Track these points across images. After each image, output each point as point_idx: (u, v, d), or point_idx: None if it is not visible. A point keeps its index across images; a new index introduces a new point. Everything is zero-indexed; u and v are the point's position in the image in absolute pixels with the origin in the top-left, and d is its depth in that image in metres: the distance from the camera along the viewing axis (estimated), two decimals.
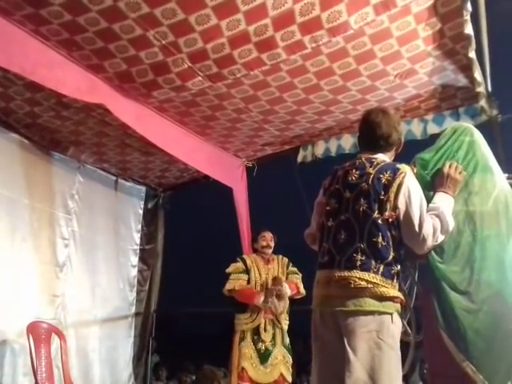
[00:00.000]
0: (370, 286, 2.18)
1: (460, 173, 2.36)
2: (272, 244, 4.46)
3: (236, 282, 4.27)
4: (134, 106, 4.17)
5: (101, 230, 5.67)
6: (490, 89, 3.92)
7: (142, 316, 6.01)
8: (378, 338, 2.16)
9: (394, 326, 2.21)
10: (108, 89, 3.92)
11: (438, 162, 2.42)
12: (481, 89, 3.77)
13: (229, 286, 4.26)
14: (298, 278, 4.46)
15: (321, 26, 3.20)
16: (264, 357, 4.11)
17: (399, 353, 2.22)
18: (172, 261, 7.00)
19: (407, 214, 2.23)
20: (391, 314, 2.20)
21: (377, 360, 2.14)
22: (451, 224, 2.26)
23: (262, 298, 4.13)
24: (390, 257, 2.22)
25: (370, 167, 2.34)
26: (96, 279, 5.50)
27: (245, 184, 5.60)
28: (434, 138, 4.34)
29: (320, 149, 5.04)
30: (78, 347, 5.07)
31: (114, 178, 5.87)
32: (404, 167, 2.31)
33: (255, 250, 4.51)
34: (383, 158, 2.41)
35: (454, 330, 2.19)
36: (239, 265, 4.36)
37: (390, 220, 2.24)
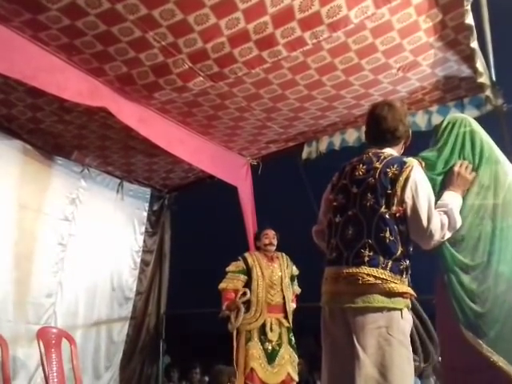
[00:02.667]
0: (378, 281, 2.16)
1: (470, 173, 2.34)
2: (275, 242, 4.43)
3: (231, 281, 4.29)
4: (136, 108, 4.16)
5: (104, 233, 5.65)
6: (494, 78, 3.88)
7: (136, 319, 5.95)
8: (388, 334, 2.14)
9: (404, 322, 2.18)
10: (109, 92, 3.91)
11: (449, 161, 2.39)
12: (483, 79, 3.73)
13: (221, 284, 4.29)
14: (296, 285, 4.52)
15: (321, 21, 3.18)
16: (271, 357, 4.11)
17: (410, 349, 2.20)
18: (180, 261, 6.99)
19: (414, 207, 2.21)
20: (401, 309, 2.18)
21: (387, 356, 2.12)
22: (459, 222, 2.24)
23: (224, 307, 4.18)
24: (399, 252, 2.20)
25: (377, 162, 2.32)
26: (93, 283, 5.48)
27: (250, 182, 5.58)
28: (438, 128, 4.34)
29: (324, 144, 5.02)
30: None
31: (119, 180, 5.86)
32: (411, 161, 2.29)
33: (258, 248, 4.49)
34: (391, 151, 2.40)
35: (475, 326, 2.16)
36: (240, 264, 4.35)
37: (398, 215, 2.22)
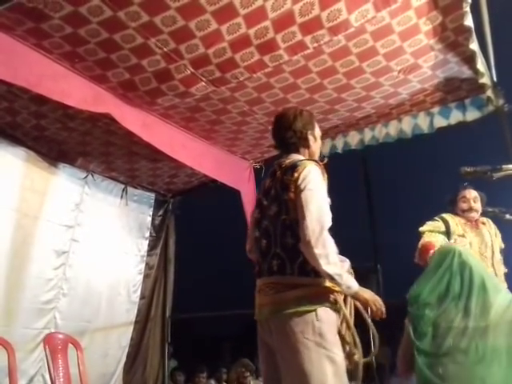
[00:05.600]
0: (287, 288, 2.20)
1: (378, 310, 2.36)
2: (477, 206, 3.57)
3: (433, 237, 3.45)
4: (140, 114, 4.19)
5: (109, 238, 5.67)
6: (495, 78, 3.89)
7: (139, 324, 5.94)
8: (304, 338, 2.14)
9: (320, 323, 2.16)
10: (113, 98, 3.94)
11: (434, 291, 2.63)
12: (484, 80, 3.74)
13: (424, 241, 3.44)
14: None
15: (321, 25, 3.20)
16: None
17: (333, 347, 2.16)
18: (184, 266, 7.01)
19: (302, 204, 2.20)
20: (314, 310, 2.17)
21: (306, 360, 2.11)
22: (345, 276, 2.21)
23: None
24: (303, 254, 2.19)
25: (279, 171, 2.39)
26: (99, 287, 5.49)
27: (253, 186, 5.58)
28: (441, 131, 4.36)
29: (326, 147, 5.02)
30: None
31: (123, 185, 5.88)
32: (304, 163, 2.32)
33: (456, 215, 3.64)
34: (295, 157, 2.42)
35: None
36: (438, 224, 3.54)
37: (297, 218, 2.23)
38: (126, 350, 5.76)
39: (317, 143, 2.55)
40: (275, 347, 2.24)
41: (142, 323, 5.95)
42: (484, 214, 3.66)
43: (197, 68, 3.59)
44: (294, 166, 2.31)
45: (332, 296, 2.24)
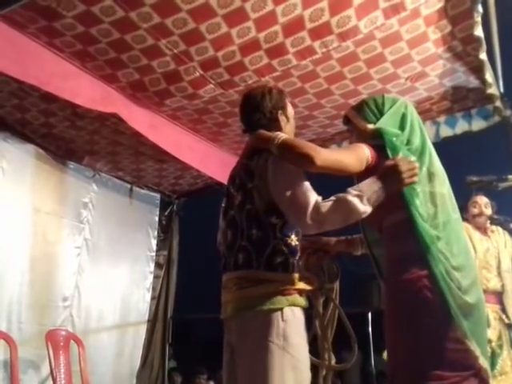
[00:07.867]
0: (252, 284, 1.98)
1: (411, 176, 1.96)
2: (487, 212, 3.66)
3: None
4: (148, 115, 4.21)
5: (116, 238, 5.71)
6: (502, 89, 3.90)
7: (150, 323, 6.00)
8: (267, 341, 1.91)
9: (286, 324, 1.93)
10: (121, 98, 3.96)
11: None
12: (492, 90, 3.75)
13: None
14: None
15: (331, 31, 3.22)
16: (492, 362, 3.11)
17: (297, 354, 1.94)
18: (187, 267, 7.02)
19: (279, 193, 1.97)
20: (281, 309, 1.94)
21: (267, 365, 1.89)
22: (358, 205, 1.88)
23: None
24: (270, 247, 1.99)
25: (244, 156, 2.19)
26: (108, 287, 5.54)
27: None
28: (447, 141, 4.37)
29: None
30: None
31: (129, 185, 5.93)
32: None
33: (467, 221, 3.65)
34: None
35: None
36: None
37: (264, 207, 2.02)
38: (141, 350, 5.82)
39: (290, 124, 2.29)
40: (236, 349, 2.03)
41: (152, 323, 6.00)
42: (490, 221, 3.68)
43: (206, 70, 3.62)
44: (259, 152, 2.08)
45: (302, 294, 2.03)
